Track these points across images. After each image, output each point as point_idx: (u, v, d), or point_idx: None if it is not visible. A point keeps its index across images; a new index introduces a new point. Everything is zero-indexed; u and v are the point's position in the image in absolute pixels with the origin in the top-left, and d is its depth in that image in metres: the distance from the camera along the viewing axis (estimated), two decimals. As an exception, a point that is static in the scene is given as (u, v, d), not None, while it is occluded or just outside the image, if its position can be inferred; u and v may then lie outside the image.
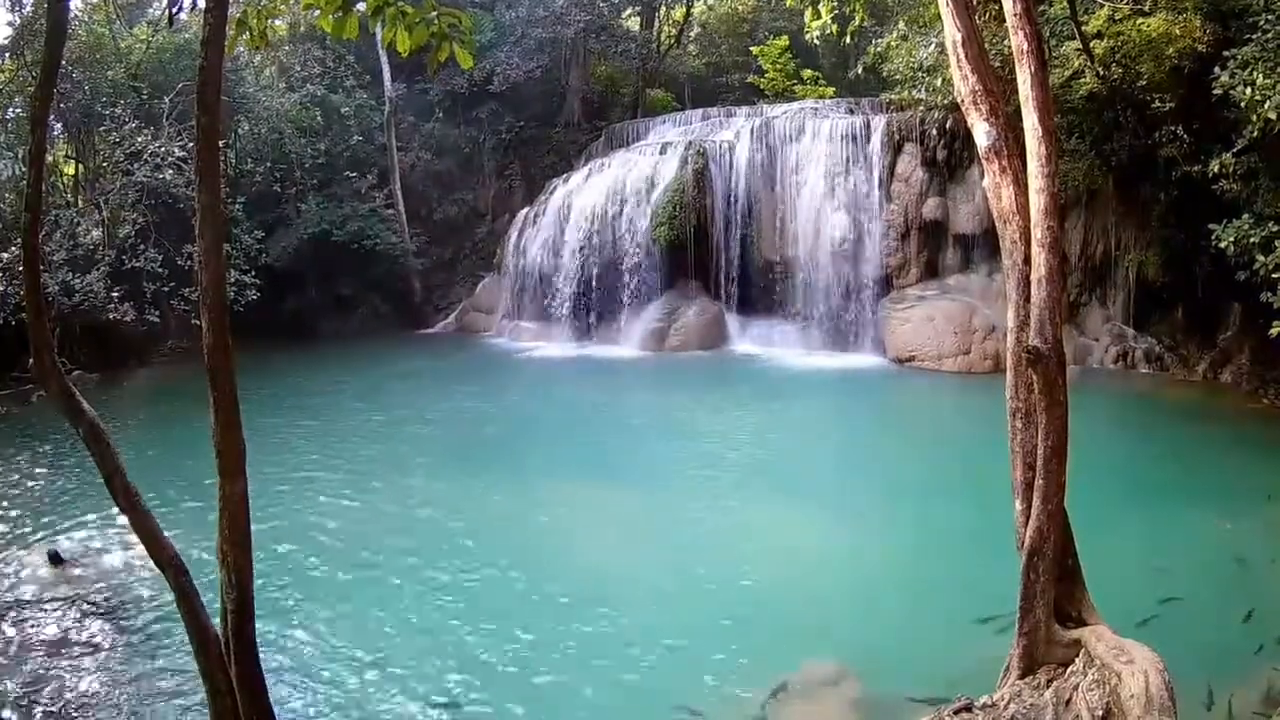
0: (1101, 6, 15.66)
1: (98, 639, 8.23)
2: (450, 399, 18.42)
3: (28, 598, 9.06)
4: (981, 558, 8.84)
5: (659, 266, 23.52)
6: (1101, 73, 15.95)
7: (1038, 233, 5.62)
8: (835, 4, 11.82)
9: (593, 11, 29.46)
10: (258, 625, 5.10)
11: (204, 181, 4.80)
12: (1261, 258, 12.58)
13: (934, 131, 21.45)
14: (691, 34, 35.74)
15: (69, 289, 19.58)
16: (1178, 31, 14.89)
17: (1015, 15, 5.87)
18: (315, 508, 11.57)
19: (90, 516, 11.21)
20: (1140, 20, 15.26)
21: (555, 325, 24.58)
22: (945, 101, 18.72)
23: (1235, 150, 13.29)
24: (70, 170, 25.65)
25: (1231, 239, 13.12)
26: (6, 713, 6.97)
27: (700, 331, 22.87)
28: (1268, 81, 11.96)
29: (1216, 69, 13.04)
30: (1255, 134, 12.43)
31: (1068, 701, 5.25)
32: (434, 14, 4.66)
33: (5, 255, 17.88)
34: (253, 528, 4.98)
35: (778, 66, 30.49)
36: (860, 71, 23.80)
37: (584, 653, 7.86)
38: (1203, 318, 18.38)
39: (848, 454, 15.04)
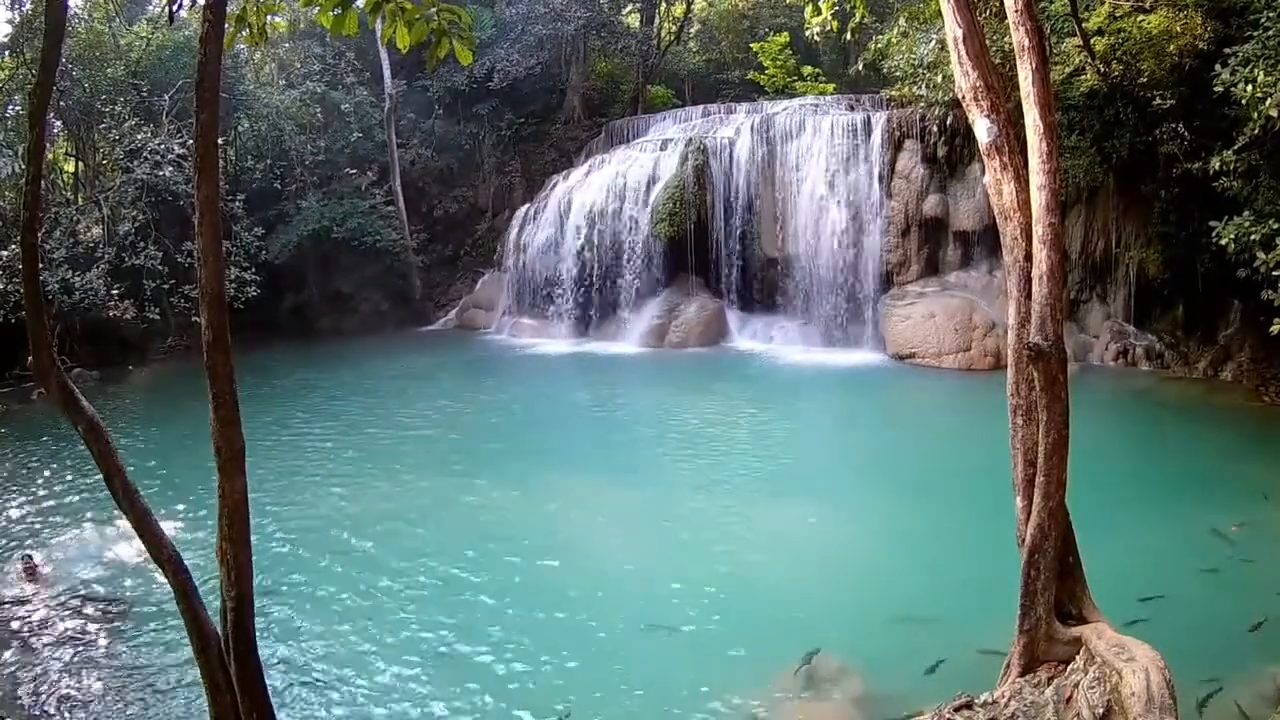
0: (1102, 3, 15.60)
1: (97, 638, 8.23)
2: (450, 396, 18.41)
3: (25, 597, 9.06)
4: (981, 555, 8.86)
5: (659, 263, 23.52)
6: (1102, 69, 15.91)
7: (1039, 229, 5.61)
8: (836, 0, 11.79)
9: (593, 8, 29.42)
10: (257, 623, 5.10)
11: (203, 178, 4.79)
12: (1262, 255, 12.56)
13: (934, 128, 21.42)
14: (692, 30, 35.68)
15: (69, 287, 19.59)
16: (1178, 28, 14.86)
17: (1016, 11, 5.86)
18: (315, 505, 11.58)
19: (88, 513, 11.21)
20: (1141, 17, 15.22)
21: (555, 322, 24.58)
22: (946, 98, 18.67)
23: (1236, 147, 13.24)
24: (70, 168, 25.68)
25: (1232, 236, 13.09)
26: (4, 713, 6.97)
27: (700, 328, 22.86)
28: (1269, 79, 11.94)
29: (1217, 66, 13.01)
30: (1256, 131, 12.40)
31: (1068, 699, 5.25)
32: (433, 10, 4.65)
33: (5, 253, 17.88)
34: (252, 525, 4.97)
35: (778, 63, 30.44)
36: (861, 68, 23.77)
37: (585, 650, 7.87)
38: (1203, 315, 18.35)
39: (848, 451, 15.03)
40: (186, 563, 5.18)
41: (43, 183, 5.90)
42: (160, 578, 5.45)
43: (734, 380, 19.91)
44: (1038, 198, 5.64)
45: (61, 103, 22.04)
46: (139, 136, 21.69)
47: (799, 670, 7.17)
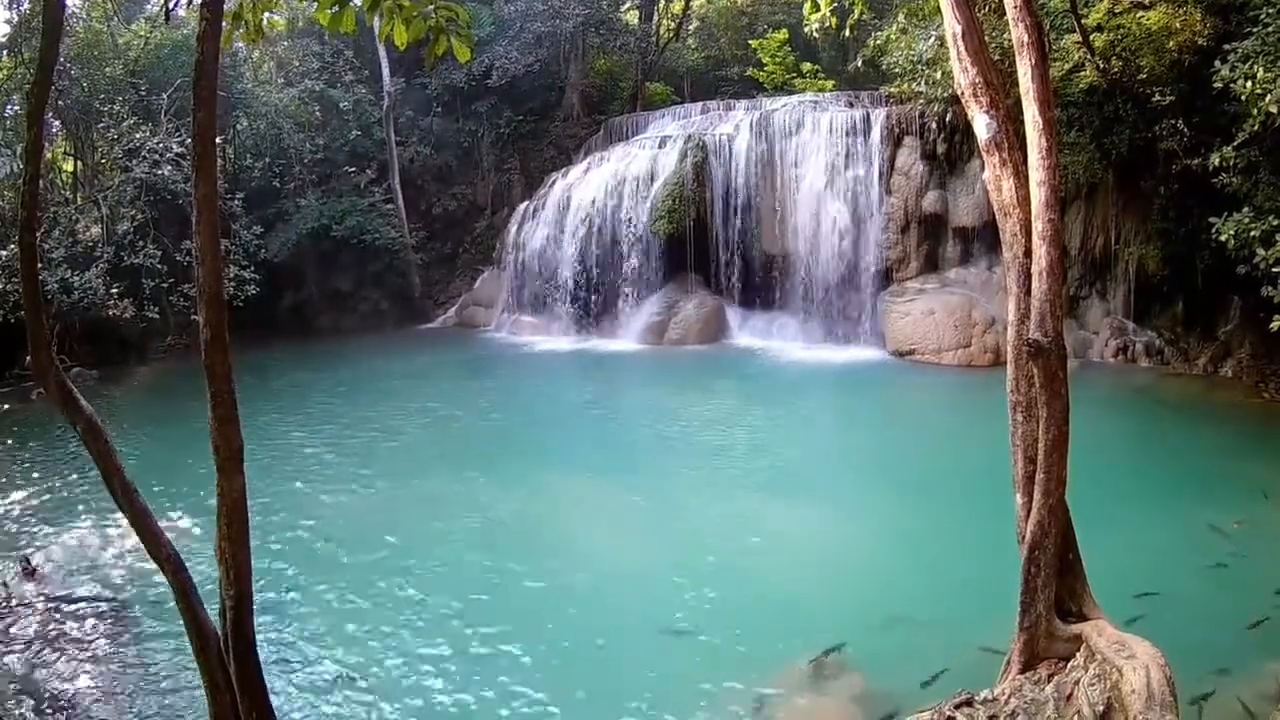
0: (1101, -1, 15.63)
1: (96, 638, 8.22)
2: (449, 395, 18.39)
3: (23, 597, 9.05)
4: (981, 553, 8.85)
5: (658, 260, 23.52)
6: (1102, 66, 15.90)
7: (1038, 225, 5.60)
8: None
9: (592, 5, 29.38)
10: (256, 622, 5.09)
11: (201, 177, 4.78)
12: (1262, 251, 12.55)
13: (934, 124, 21.39)
14: (690, 28, 35.62)
15: (68, 286, 19.58)
16: (1178, 25, 14.85)
17: (1015, 7, 5.84)
18: (314, 504, 11.57)
19: (88, 513, 11.20)
20: (1140, 13, 15.21)
21: (555, 319, 24.58)
22: (945, 94, 18.65)
23: (1236, 144, 13.24)
24: (69, 167, 25.66)
25: (1232, 233, 13.08)
26: (4, 713, 6.97)
27: (700, 325, 22.85)
28: (1268, 75, 11.93)
29: (1217, 62, 13.00)
30: (1256, 127, 12.40)
31: (1069, 696, 5.24)
32: (431, 7, 4.65)
33: (4, 253, 17.87)
34: (251, 524, 4.97)
35: (777, 60, 30.40)
36: (860, 64, 23.73)
37: (588, 648, 7.86)
38: (1203, 311, 18.32)
39: (848, 449, 15.02)
40: (184, 562, 5.18)
41: (41, 182, 5.88)
42: (159, 577, 5.44)
43: (734, 377, 19.91)
44: (1037, 194, 5.63)
45: (60, 102, 22.01)
46: (137, 135, 21.66)
47: (816, 661, 7.20)
